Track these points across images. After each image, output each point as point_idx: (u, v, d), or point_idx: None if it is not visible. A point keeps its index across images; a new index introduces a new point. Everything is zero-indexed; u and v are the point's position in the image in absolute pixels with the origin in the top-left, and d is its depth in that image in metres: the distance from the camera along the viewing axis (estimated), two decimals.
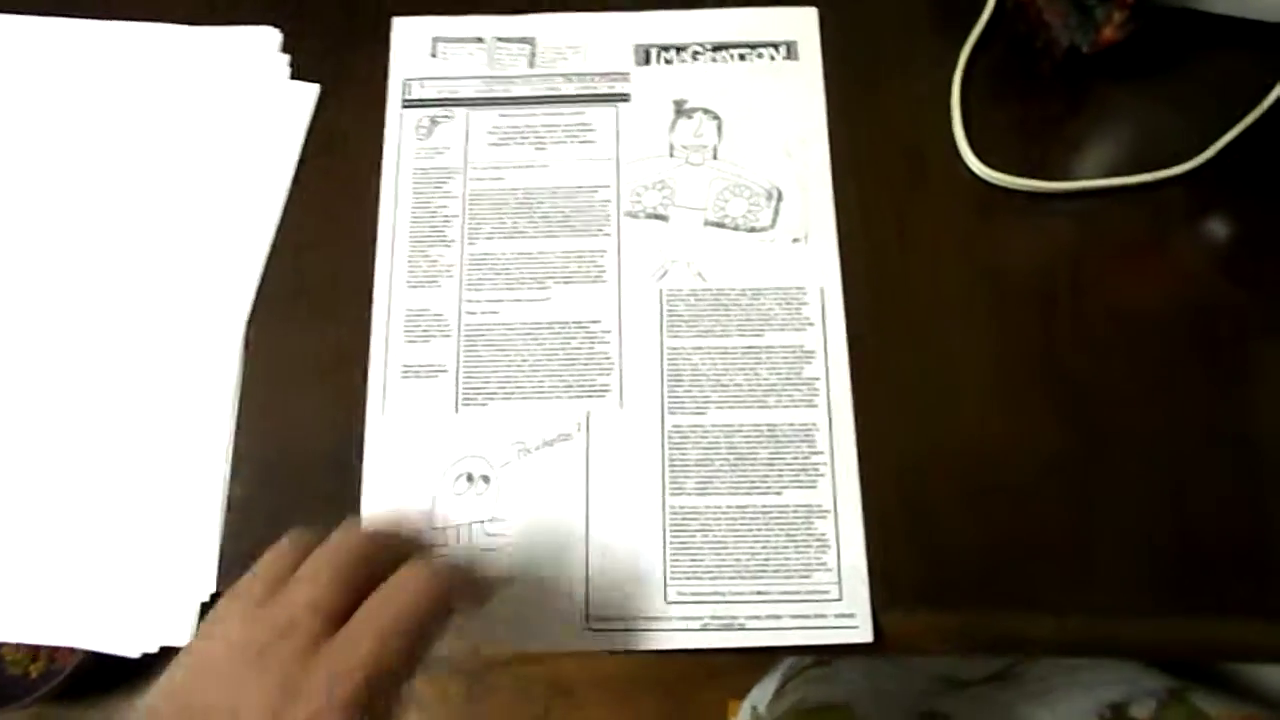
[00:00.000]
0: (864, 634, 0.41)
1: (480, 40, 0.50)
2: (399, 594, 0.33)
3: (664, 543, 0.42)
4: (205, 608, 0.41)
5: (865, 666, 0.75)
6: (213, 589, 0.42)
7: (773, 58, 0.49)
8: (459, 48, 0.50)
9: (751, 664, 0.83)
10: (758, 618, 0.41)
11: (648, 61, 0.49)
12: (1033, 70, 0.49)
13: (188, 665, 0.32)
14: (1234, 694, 0.60)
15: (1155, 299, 0.45)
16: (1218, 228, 0.47)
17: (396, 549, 0.36)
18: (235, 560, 0.42)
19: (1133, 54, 0.48)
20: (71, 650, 0.98)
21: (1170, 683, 0.61)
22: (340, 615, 0.32)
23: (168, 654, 0.40)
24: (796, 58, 0.49)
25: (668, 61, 0.49)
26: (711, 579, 0.42)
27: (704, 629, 0.41)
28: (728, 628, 0.41)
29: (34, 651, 1.03)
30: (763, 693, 0.90)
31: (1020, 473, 0.43)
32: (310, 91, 0.49)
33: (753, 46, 0.50)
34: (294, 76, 0.50)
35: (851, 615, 0.41)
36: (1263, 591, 0.42)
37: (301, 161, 0.48)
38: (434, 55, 0.50)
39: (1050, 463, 0.43)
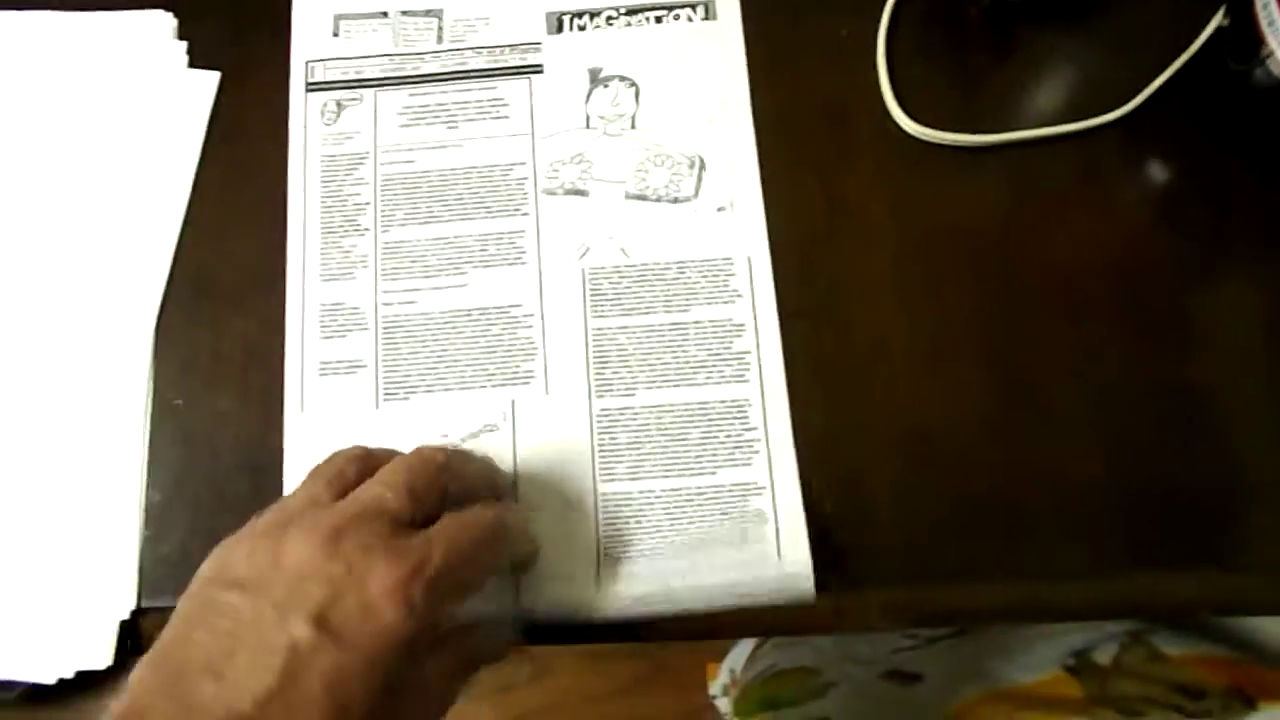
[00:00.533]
0: (807, 593, 0.40)
1: (384, 15, 0.48)
2: (474, 522, 0.34)
3: (596, 532, 0.41)
4: (124, 625, 0.40)
5: None
6: (133, 605, 0.40)
7: (690, 18, 0.47)
8: (363, 24, 0.48)
9: None
10: (696, 587, 0.40)
11: (560, 29, 0.47)
12: (960, 18, 0.47)
13: (246, 539, 0.32)
14: (1196, 634, 0.60)
15: (1091, 252, 0.44)
16: (1153, 173, 0.46)
17: (468, 482, 0.37)
18: (155, 572, 0.41)
19: None
20: None
21: (1131, 625, 0.61)
22: (408, 528, 0.33)
23: (85, 679, 0.39)
24: (715, 17, 0.47)
25: (581, 28, 0.47)
26: (647, 561, 0.40)
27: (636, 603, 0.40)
28: (664, 603, 0.40)
29: None
30: (739, 655, 0.90)
31: (958, 440, 0.42)
32: (210, 79, 0.47)
33: (669, 8, 0.48)
34: (192, 64, 0.47)
35: (794, 574, 0.40)
36: (1208, 543, 0.41)
37: (204, 153, 0.46)
38: (336, 34, 0.47)
39: (989, 428, 0.42)
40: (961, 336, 0.43)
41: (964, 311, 0.44)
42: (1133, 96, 0.45)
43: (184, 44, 0.48)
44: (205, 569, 0.32)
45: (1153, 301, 0.44)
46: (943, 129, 0.45)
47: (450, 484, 0.36)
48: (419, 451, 0.36)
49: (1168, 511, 0.41)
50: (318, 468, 0.36)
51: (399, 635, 0.30)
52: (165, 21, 0.48)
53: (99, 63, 0.47)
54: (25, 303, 0.44)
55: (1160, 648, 0.60)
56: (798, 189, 0.45)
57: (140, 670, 0.30)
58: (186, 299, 0.44)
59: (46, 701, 0.40)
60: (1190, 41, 0.45)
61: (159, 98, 0.47)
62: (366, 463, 0.35)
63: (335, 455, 0.36)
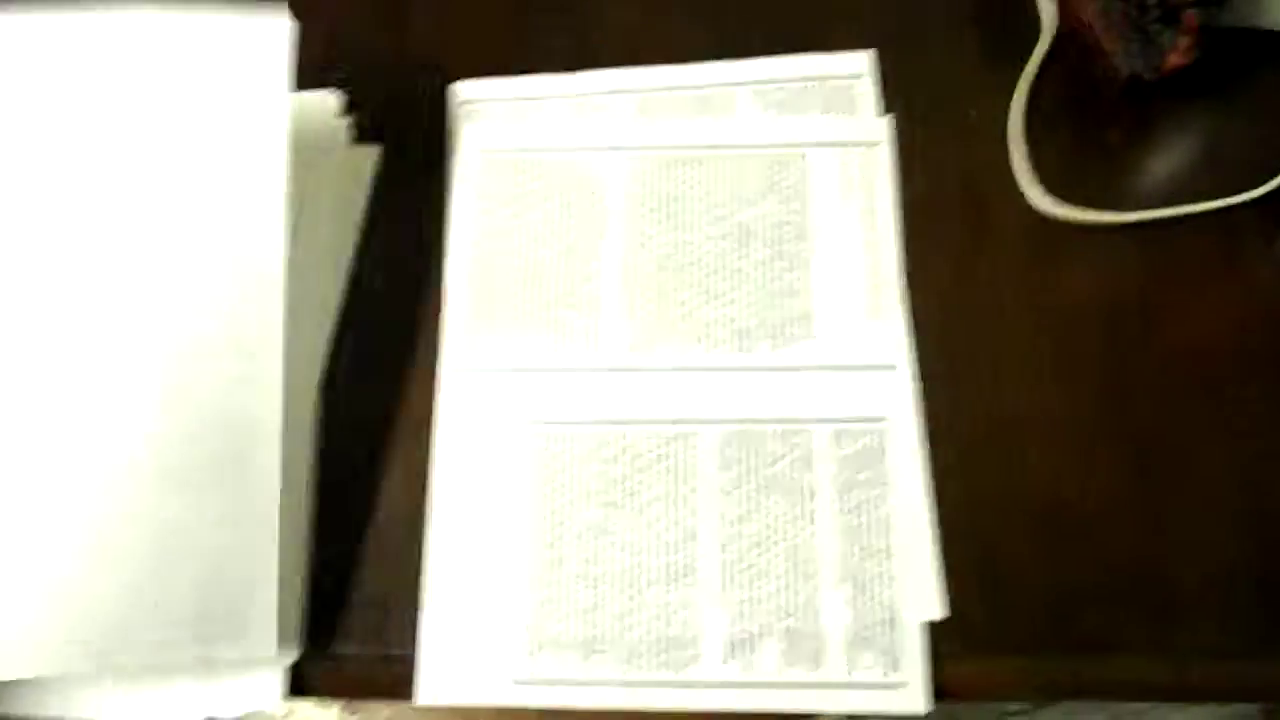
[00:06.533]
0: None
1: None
2: None
3: None
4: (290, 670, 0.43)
5: None
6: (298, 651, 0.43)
7: None
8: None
9: None
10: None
11: None
12: (1094, 98, 0.48)
13: None
14: None
15: (1229, 332, 0.44)
16: None
17: None
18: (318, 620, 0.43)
19: (1198, 74, 0.46)
20: None
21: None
22: None
23: None
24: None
25: None
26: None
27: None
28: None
29: None
30: None
31: (1093, 515, 0.42)
32: (372, 153, 0.51)
33: None
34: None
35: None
36: None
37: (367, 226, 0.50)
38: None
39: (1123, 503, 0.42)
40: (1097, 413, 0.44)
41: (1099, 389, 0.44)
42: (1276, 173, 0.45)
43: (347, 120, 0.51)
44: None
45: None
46: (1076, 206, 0.46)
47: None
48: None
49: None
50: None
51: None
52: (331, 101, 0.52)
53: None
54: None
55: None
56: (929, 266, 0.46)
57: None
58: (351, 367, 0.47)
59: None
60: None
61: (324, 171, 0.50)
62: None
63: None
